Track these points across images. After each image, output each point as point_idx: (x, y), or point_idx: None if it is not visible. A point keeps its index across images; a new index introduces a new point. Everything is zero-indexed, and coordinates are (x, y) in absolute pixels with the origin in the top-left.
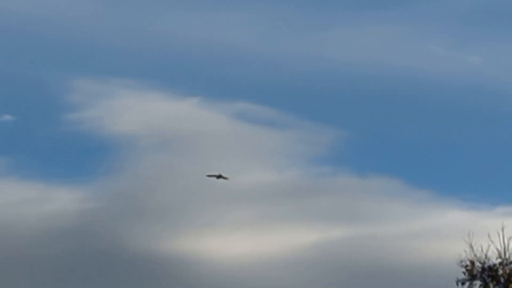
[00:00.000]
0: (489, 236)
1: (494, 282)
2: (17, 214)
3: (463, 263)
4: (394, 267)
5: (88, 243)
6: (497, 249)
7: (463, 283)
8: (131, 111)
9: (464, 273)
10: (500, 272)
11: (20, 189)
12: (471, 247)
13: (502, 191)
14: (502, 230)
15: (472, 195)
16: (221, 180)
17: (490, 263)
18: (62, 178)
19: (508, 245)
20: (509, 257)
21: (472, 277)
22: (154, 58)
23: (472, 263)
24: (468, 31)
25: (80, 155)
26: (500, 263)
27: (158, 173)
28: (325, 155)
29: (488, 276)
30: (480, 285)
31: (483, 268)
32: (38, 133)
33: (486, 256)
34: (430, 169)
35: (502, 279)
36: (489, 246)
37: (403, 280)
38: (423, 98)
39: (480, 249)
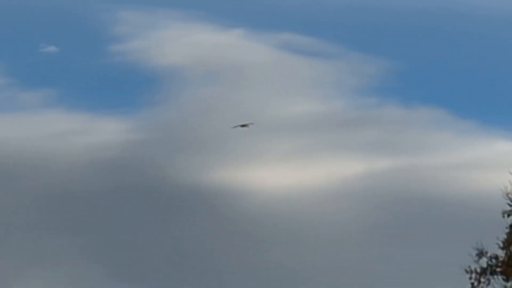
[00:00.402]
0: None
1: None
2: (62, 145)
3: (510, 195)
4: (440, 198)
5: (132, 175)
6: None
7: (509, 215)
8: (177, 42)
9: (510, 205)
10: None
11: (65, 121)
12: None
13: None
14: None
15: None
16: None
17: None
18: (107, 109)
19: None
20: None
21: None
22: None
23: None
24: None
25: (125, 87)
26: None
27: (203, 104)
28: (371, 86)
29: None
30: None
31: None
32: (83, 64)
33: None
34: (476, 99)
35: None
36: None
37: (449, 211)
38: (469, 28)
39: None
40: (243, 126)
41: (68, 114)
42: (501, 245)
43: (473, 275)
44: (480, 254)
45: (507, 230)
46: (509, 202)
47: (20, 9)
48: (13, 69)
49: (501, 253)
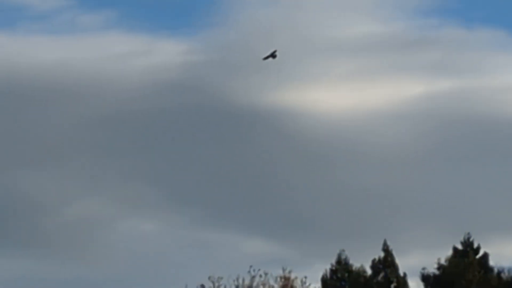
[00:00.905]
0: None
1: None
2: (122, 67)
3: None
4: (499, 119)
5: (192, 95)
6: None
7: None
8: None
9: None
10: None
11: (126, 42)
12: None
13: None
14: None
15: None
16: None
17: None
18: (167, 30)
19: None
20: None
21: None
22: None
23: None
24: None
25: (184, 8)
26: None
27: (263, 25)
28: (431, 7)
29: None
30: None
31: None
32: None
33: None
34: None
35: None
36: None
37: (508, 131)
38: None
39: None
40: (272, 56)
41: (128, 36)
42: None
43: None
44: None
45: None
46: None
47: None
48: None
49: None
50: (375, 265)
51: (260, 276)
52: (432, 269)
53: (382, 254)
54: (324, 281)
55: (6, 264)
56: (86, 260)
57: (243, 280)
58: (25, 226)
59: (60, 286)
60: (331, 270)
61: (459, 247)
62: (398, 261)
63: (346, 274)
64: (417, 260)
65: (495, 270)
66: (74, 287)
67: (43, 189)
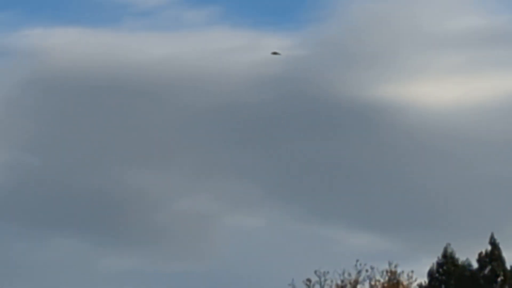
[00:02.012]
0: None
1: None
2: (227, 62)
3: None
4: None
5: (296, 90)
6: None
7: None
8: None
9: None
10: None
11: (230, 37)
12: None
13: None
14: None
15: None
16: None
17: None
18: (272, 25)
19: None
20: None
21: None
22: None
23: None
24: None
25: (290, 3)
26: None
27: (367, 20)
28: None
29: None
30: None
31: None
32: None
33: None
34: None
35: None
36: None
37: None
38: None
39: None
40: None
41: (233, 31)
42: None
43: None
44: None
45: None
46: None
47: None
48: None
49: None
50: (481, 259)
51: (366, 270)
52: None
53: (488, 248)
54: (431, 275)
55: (117, 258)
56: (194, 255)
57: (349, 275)
58: (134, 221)
59: (168, 280)
60: (437, 264)
61: None
62: (505, 254)
63: (453, 268)
64: None
65: None
66: (183, 281)
67: (152, 185)
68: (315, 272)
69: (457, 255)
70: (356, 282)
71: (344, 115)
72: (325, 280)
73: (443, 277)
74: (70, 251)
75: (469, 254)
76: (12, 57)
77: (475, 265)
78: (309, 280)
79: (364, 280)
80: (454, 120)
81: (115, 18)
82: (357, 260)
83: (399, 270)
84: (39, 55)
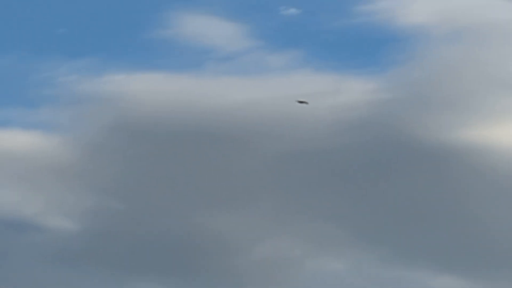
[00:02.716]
0: None
1: None
2: (309, 106)
3: None
4: None
5: (380, 133)
6: None
7: None
8: (422, 1)
9: None
10: None
11: (313, 81)
12: None
13: None
14: None
15: None
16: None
17: None
18: (355, 69)
19: None
20: None
21: None
22: None
23: None
24: None
25: (372, 47)
26: None
27: (449, 63)
28: None
29: None
30: None
31: None
32: (327, 25)
33: None
34: None
35: None
36: None
37: None
38: None
39: None
40: (301, 102)
41: (316, 75)
42: None
43: None
44: None
45: None
46: None
47: None
48: (258, 32)
49: None
50: None
51: None
52: None
53: None
54: None
55: None
56: None
57: None
58: (215, 266)
59: None
60: None
61: None
62: None
63: None
64: None
65: None
66: None
67: (233, 229)
68: None
69: None
70: None
71: (429, 157)
72: None
73: None
74: None
75: None
76: (96, 103)
77: None
78: None
79: None
80: None
81: (198, 63)
82: None
83: None
84: (123, 101)
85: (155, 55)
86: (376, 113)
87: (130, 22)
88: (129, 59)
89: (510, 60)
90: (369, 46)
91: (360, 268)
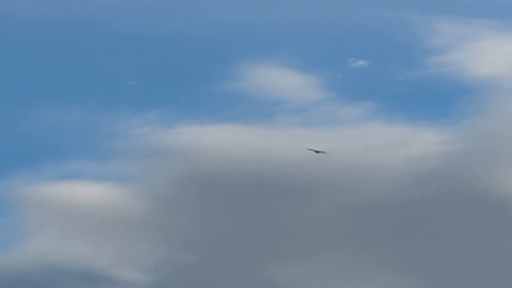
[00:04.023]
0: None
1: None
2: (381, 157)
3: None
4: None
5: (452, 186)
6: None
7: None
8: (494, 52)
9: None
10: None
11: (384, 133)
12: None
13: None
14: None
15: None
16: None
17: None
18: (426, 121)
19: None
20: None
21: None
22: None
23: None
24: None
25: (442, 98)
26: None
27: None
28: None
29: None
30: None
31: None
32: (399, 77)
33: None
34: None
35: None
36: None
37: None
38: None
39: None
40: (316, 152)
41: (387, 127)
42: None
43: None
44: None
45: None
46: None
47: (328, 27)
48: (328, 84)
49: None
50: None
51: None
52: None
53: None
54: None
55: None
56: None
57: None
58: None
59: None
60: None
61: None
62: None
63: None
64: None
65: None
66: None
67: (302, 280)
68: None
69: None
70: None
71: (502, 209)
72: None
73: None
74: None
75: None
76: (168, 155)
77: None
78: None
79: None
80: None
81: (269, 115)
82: None
83: None
84: (194, 153)
85: (226, 107)
86: (447, 165)
87: (201, 74)
88: (200, 111)
89: None
90: (440, 98)
91: None
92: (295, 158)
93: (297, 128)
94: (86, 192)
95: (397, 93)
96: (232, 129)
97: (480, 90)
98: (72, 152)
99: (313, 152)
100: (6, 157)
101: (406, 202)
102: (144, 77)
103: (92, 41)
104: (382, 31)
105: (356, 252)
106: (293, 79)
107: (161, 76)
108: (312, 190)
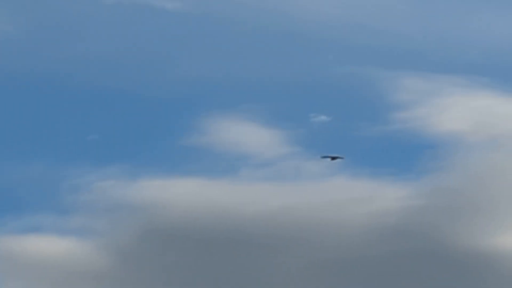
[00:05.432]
0: None
1: None
2: (344, 212)
3: None
4: None
5: (415, 241)
6: None
7: None
8: (458, 108)
9: None
10: None
11: (348, 188)
12: None
13: None
14: None
15: None
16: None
17: None
18: (389, 176)
19: None
20: None
21: None
22: (480, 55)
23: None
24: None
25: (406, 153)
26: None
27: (483, 170)
28: None
29: None
30: None
31: None
32: (364, 132)
33: None
34: None
35: None
36: None
37: None
38: None
39: None
40: (333, 158)
41: (352, 182)
42: None
43: None
44: None
45: None
46: None
47: (292, 82)
48: (293, 139)
49: None
50: None
51: None
52: None
53: None
54: None
55: None
56: None
57: None
58: None
59: None
60: None
61: None
62: None
63: None
64: None
65: None
66: None
67: None
68: None
69: None
70: None
71: (463, 265)
72: None
73: None
74: None
75: None
76: (130, 209)
77: None
78: None
79: None
80: None
81: (233, 169)
82: None
83: None
84: (157, 207)
85: (190, 161)
86: (409, 221)
87: (165, 128)
88: (164, 165)
89: None
90: (403, 153)
91: None
92: (260, 213)
93: (261, 182)
94: (48, 246)
95: (361, 148)
96: (196, 184)
97: (443, 146)
98: (34, 206)
99: (330, 159)
100: None
101: (369, 257)
102: (106, 131)
103: (53, 95)
104: (346, 86)
105: None
106: (257, 134)
107: (123, 130)
108: (276, 245)
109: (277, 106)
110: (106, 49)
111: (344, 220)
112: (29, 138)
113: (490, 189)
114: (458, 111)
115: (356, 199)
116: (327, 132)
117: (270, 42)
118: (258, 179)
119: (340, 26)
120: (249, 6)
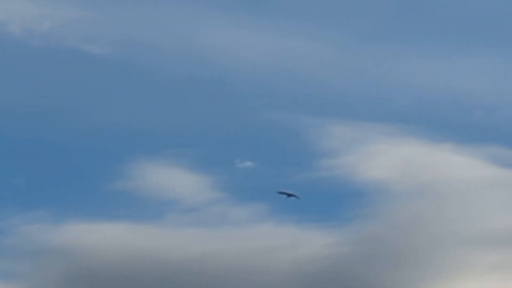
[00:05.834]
0: None
1: None
2: (269, 259)
3: None
4: None
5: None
6: None
7: None
8: (385, 156)
9: None
10: None
11: (274, 234)
12: None
13: None
14: None
15: None
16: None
17: None
18: (315, 223)
19: None
20: None
21: None
22: (406, 103)
23: None
24: None
25: (333, 201)
26: None
27: (408, 218)
28: None
29: None
30: None
31: None
32: (290, 178)
33: None
34: None
35: None
36: None
37: None
38: None
39: None
40: (289, 195)
41: (277, 229)
42: None
43: None
44: None
45: None
46: None
47: (218, 128)
48: (220, 184)
49: None
50: None
51: None
52: None
53: None
54: None
55: None
56: None
57: None
58: None
59: None
60: None
61: None
62: None
63: None
64: None
65: None
66: None
67: None
68: None
69: None
70: None
71: None
72: None
73: None
74: None
75: None
76: (55, 253)
77: None
78: None
79: None
80: None
81: (160, 214)
82: None
83: None
84: (82, 251)
85: (116, 206)
86: (334, 267)
87: (92, 173)
88: (89, 210)
89: (468, 216)
90: (329, 200)
91: None
92: (185, 258)
93: (187, 228)
94: None
95: (288, 199)
96: (122, 228)
97: (369, 193)
98: None
99: (286, 196)
100: None
101: None
102: (31, 175)
103: None
104: (272, 132)
105: None
106: (183, 179)
107: (49, 174)
108: None
109: (204, 151)
110: (32, 94)
111: (269, 266)
112: None
113: (413, 237)
114: (384, 159)
115: (280, 246)
116: (253, 178)
117: (198, 89)
118: (184, 224)
119: (267, 73)
120: (179, 54)
